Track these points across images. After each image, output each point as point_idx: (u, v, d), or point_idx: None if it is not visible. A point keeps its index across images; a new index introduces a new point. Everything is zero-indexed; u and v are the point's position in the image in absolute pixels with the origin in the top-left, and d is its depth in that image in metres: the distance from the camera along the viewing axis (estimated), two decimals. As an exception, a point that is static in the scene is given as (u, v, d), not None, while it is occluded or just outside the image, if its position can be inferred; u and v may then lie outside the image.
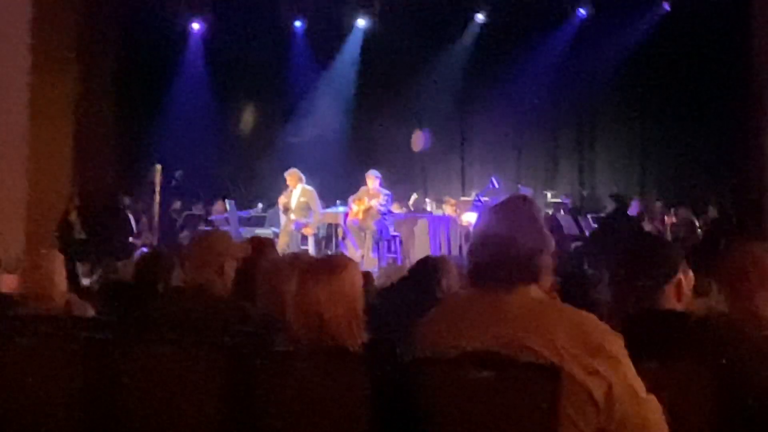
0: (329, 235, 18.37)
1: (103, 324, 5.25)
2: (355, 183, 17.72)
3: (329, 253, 15.82)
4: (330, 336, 3.85)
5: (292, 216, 16.84)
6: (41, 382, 4.33)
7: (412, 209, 19.34)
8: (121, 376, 4.15)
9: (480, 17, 22.17)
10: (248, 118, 22.95)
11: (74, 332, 4.56)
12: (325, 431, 3.66)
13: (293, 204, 16.87)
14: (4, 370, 4.42)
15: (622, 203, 16.93)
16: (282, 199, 17.08)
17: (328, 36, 22.53)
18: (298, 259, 5.15)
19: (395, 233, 17.77)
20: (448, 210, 18.70)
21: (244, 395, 3.84)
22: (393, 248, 17.82)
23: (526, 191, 18.20)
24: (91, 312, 6.00)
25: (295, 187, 16.94)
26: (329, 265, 4.06)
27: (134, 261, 8.07)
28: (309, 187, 17.05)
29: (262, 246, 6.23)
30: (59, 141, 17.07)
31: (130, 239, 17.62)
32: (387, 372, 3.60)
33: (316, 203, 17.10)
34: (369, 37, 22.48)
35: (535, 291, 3.33)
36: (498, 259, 3.33)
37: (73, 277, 6.92)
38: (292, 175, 17.02)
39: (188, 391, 4.00)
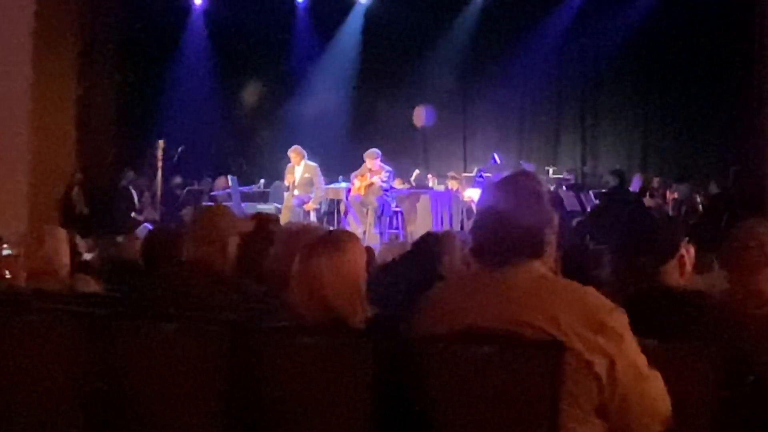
0: (331, 211, 18.37)
1: (107, 300, 5.25)
2: (358, 159, 17.68)
3: (331, 228, 15.81)
4: (333, 312, 3.86)
5: (295, 192, 16.87)
6: (44, 357, 4.33)
7: (414, 185, 19.35)
8: (123, 353, 4.15)
9: (483, -8, 22.14)
10: (250, 93, 22.92)
11: (77, 308, 4.57)
12: (328, 408, 3.66)
13: (297, 180, 16.92)
14: (8, 346, 4.43)
15: (623, 179, 16.93)
16: (288, 177, 17.09)
17: (331, 11, 22.49)
18: (307, 229, 5.15)
19: (397, 209, 17.78)
20: (453, 185, 18.67)
21: (247, 371, 3.85)
22: (395, 224, 17.83)
23: (529, 167, 18.18)
24: (94, 288, 6.00)
25: (298, 163, 16.99)
26: (332, 241, 4.06)
27: (142, 238, 8.02)
28: (312, 163, 17.10)
29: (267, 222, 6.22)
30: (61, 116, 17.05)
31: (133, 214, 17.65)
32: (390, 348, 3.60)
33: (318, 179, 17.15)
34: (371, 12, 22.46)
35: (538, 267, 3.34)
36: (501, 235, 3.33)
37: (74, 253, 6.89)
38: (295, 151, 17.04)
39: (191, 367, 4.00)
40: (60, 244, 6.03)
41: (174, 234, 6.74)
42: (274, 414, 3.77)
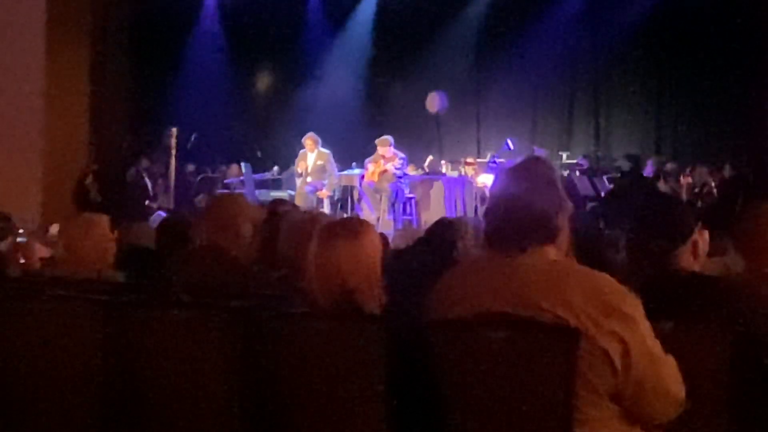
0: (345, 197, 18.39)
1: (121, 287, 5.26)
2: (371, 145, 17.67)
3: (345, 215, 15.81)
4: (349, 299, 3.87)
5: (309, 179, 16.89)
6: (59, 343, 4.35)
7: (428, 171, 19.33)
8: (138, 340, 4.16)
9: (496, -23, 22.08)
10: (263, 80, 22.93)
11: (93, 295, 4.58)
12: (344, 393, 3.68)
13: (310, 167, 16.93)
14: (23, 333, 4.44)
15: (636, 163, 16.89)
16: (300, 163, 17.09)
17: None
18: (316, 218, 5.15)
19: (411, 195, 17.78)
20: (469, 171, 18.61)
21: (262, 357, 3.86)
22: (408, 210, 17.83)
23: (541, 152, 18.14)
24: (118, 278, 5.96)
25: (312, 150, 17.01)
26: (348, 228, 4.06)
27: (155, 225, 8.03)
28: (325, 150, 17.12)
29: (285, 208, 6.23)
30: (75, 105, 17.12)
31: (146, 202, 17.68)
32: (405, 334, 3.61)
33: (331, 166, 17.18)
34: (384, -3, 22.44)
35: (551, 252, 3.34)
36: (514, 221, 3.33)
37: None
38: (310, 138, 17.05)
39: (206, 354, 4.01)
40: (93, 232, 6.01)
41: (186, 221, 6.76)
42: (289, 399, 3.79)
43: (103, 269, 5.93)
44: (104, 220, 6.18)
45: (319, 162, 16.96)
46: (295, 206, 7.41)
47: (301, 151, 17.19)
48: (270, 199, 13.15)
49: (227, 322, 4.00)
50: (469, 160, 19.24)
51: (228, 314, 4.04)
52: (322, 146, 17.15)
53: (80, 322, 4.32)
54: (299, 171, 17.07)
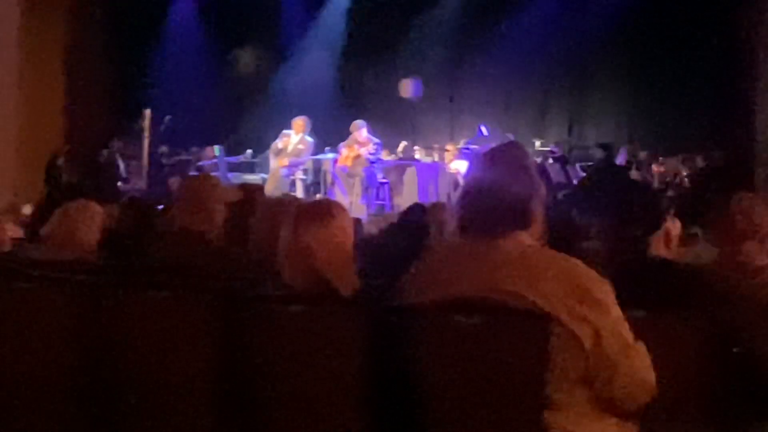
0: (318, 181, 18.36)
1: (96, 268, 5.25)
2: (345, 130, 17.66)
3: (317, 197, 15.78)
4: (322, 281, 3.87)
5: (285, 161, 16.79)
6: (34, 325, 4.32)
7: (401, 157, 19.34)
8: (114, 321, 4.15)
9: (473, -34, 22.06)
10: (238, 63, 22.88)
11: (67, 276, 4.57)
12: (317, 376, 3.68)
13: (290, 148, 16.80)
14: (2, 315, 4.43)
15: (609, 152, 16.93)
16: (284, 139, 16.89)
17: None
18: (286, 202, 5.16)
19: (384, 180, 17.80)
20: (448, 157, 18.58)
21: (237, 340, 3.86)
22: (382, 195, 17.84)
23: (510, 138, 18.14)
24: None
25: (297, 133, 16.85)
26: (320, 210, 4.07)
27: (118, 207, 8.00)
28: (309, 138, 16.95)
29: (252, 192, 6.23)
30: (49, 86, 17.04)
31: (119, 184, 17.62)
32: (378, 318, 3.62)
33: (308, 155, 17.09)
34: (360, -16, 22.41)
35: (525, 238, 3.35)
36: (489, 206, 3.34)
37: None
38: (303, 120, 16.86)
39: (181, 335, 4.01)
40: (85, 218, 6.00)
41: (149, 205, 6.77)
42: (263, 382, 3.79)
43: (84, 254, 5.91)
44: (99, 210, 6.17)
45: (300, 146, 16.82)
46: (261, 189, 7.42)
47: (285, 131, 17.00)
48: (242, 182, 13.14)
49: (203, 304, 3.99)
50: (447, 146, 19.22)
51: (204, 296, 4.04)
52: (308, 135, 17.00)
53: (56, 304, 4.30)
54: (280, 146, 16.86)
